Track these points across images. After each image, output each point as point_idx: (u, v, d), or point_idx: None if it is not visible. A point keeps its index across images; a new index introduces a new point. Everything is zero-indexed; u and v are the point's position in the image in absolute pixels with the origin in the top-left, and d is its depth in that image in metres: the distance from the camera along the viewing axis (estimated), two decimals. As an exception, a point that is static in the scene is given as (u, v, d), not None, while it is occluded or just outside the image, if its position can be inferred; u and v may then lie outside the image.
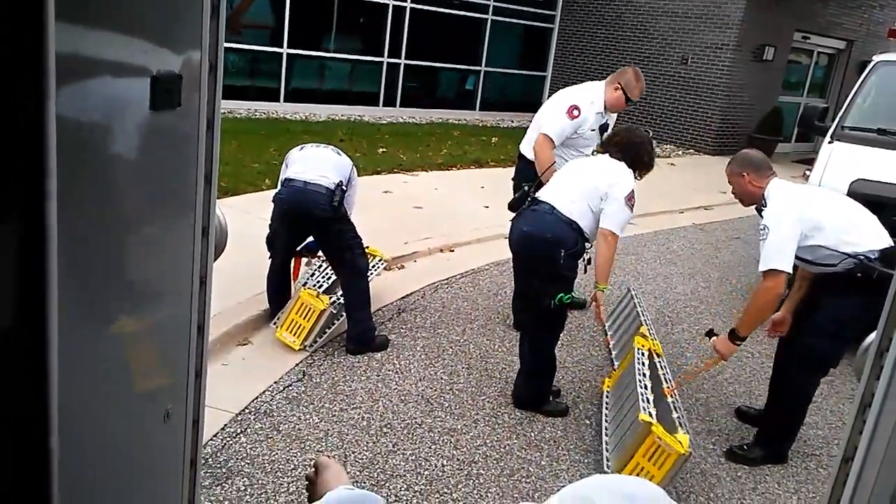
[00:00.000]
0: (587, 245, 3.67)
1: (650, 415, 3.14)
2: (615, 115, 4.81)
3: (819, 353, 3.38)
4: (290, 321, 4.19)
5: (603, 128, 4.67)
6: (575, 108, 4.51)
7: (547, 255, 3.48)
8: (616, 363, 4.33)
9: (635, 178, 3.68)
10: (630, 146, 3.73)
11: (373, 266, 4.86)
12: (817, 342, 3.35)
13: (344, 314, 4.29)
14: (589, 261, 3.74)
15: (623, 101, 4.60)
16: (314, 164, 4.11)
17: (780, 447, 3.61)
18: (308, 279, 4.56)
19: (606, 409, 3.81)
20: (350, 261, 4.15)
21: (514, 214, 3.83)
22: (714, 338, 3.57)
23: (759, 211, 3.45)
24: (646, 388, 3.36)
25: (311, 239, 4.37)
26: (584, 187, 3.56)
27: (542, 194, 3.68)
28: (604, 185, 3.54)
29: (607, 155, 3.74)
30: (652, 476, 2.98)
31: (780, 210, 3.31)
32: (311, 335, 4.15)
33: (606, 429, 3.60)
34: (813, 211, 3.32)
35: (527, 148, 4.72)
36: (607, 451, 3.41)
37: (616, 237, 3.53)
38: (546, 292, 3.52)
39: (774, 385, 3.63)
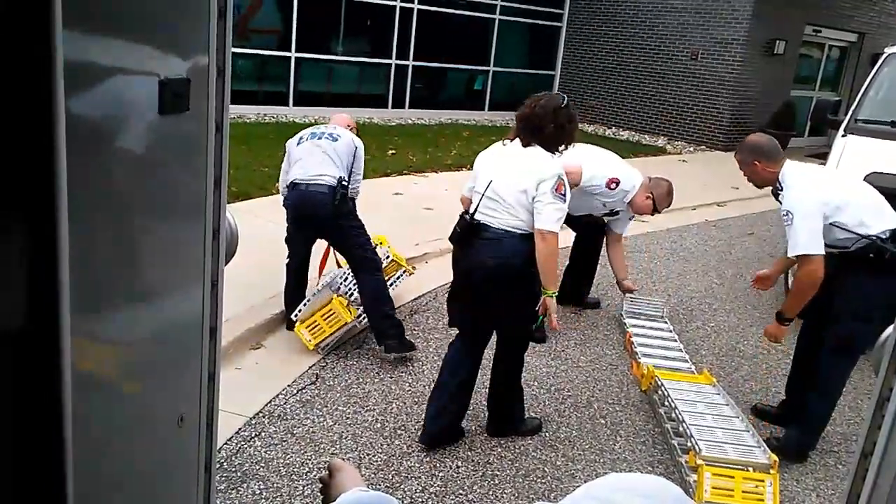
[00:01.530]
0: None
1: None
2: (628, 215, 4.93)
3: (845, 338, 3.41)
4: (313, 321, 4.17)
5: (613, 213, 4.85)
6: (614, 181, 4.65)
7: (522, 280, 3.20)
8: (642, 359, 4.26)
9: (558, 153, 3.28)
10: (529, 123, 3.23)
11: (397, 277, 4.90)
12: (841, 328, 3.39)
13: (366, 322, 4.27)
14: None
15: (650, 210, 4.76)
16: (314, 163, 4.14)
17: (813, 436, 3.60)
18: (342, 284, 4.50)
19: (678, 399, 3.69)
20: (360, 257, 4.17)
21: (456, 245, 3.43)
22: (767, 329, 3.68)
23: (776, 195, 3.45)
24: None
25: None
26: (516, 199, 3.17)
27: (482, 217, 3.23)
28: (531, 187, 3.14)
29: (518, 143, 3.28)
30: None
31: (801, 193, 3.32)
32: (326, 339, 4.16)
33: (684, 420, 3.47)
34: (833, 192, 3.35)
35: None
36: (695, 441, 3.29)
37: (554, 234, 3.15)
38: (528, 317, 3.30)
39: (805, 373, 3.65)
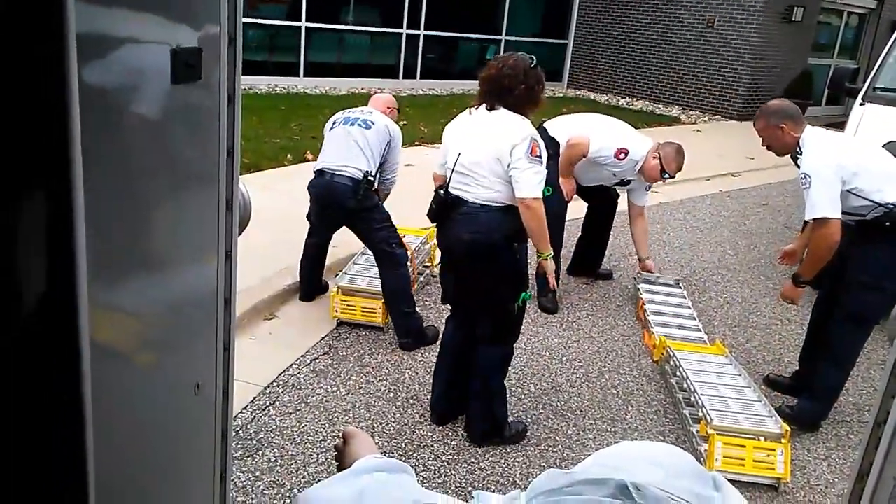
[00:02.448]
0: None
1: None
2: (643, 185, 4.79)
3: (857, 307, 3.41)
4: (352, 302, 4.17)
5: (624, 182, 4.75)
6: (623, 151, 4.54)
7: (502, 256, 3.05)
8: (654, 329, 4.24)
9: (527, 115, 3.07)
10: (495, 85, 3.04)
11: (422, 275, 4.89)
12: (853, 297, 3.39)
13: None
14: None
15: (657, 173, 4.56)
16: (342, 152, 4.03)
17: (826, 406, 3.60)
18: None
19: (691, 371, 3.68)
20: (382, 251, 4.06)
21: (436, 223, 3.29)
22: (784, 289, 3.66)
23: (795, 159, 3.43)
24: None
25: None
26: (490, 169, 3.00)
27: (456, 190, 3.09)
28: (504, 154, 2.96)
29: (483, 107, 3.09)
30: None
31: (820, 157, 3.30)
32: (348, 319, 4.20)
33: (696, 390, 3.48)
34: (851, 157, 3.33)
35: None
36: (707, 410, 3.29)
37: (538, 200, 2.98)
38: (508, 296, 3.09)
39: (819, 343, 3.65)
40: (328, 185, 3.98)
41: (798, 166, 3.39)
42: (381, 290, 4.11)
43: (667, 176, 4.61)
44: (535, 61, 3.07)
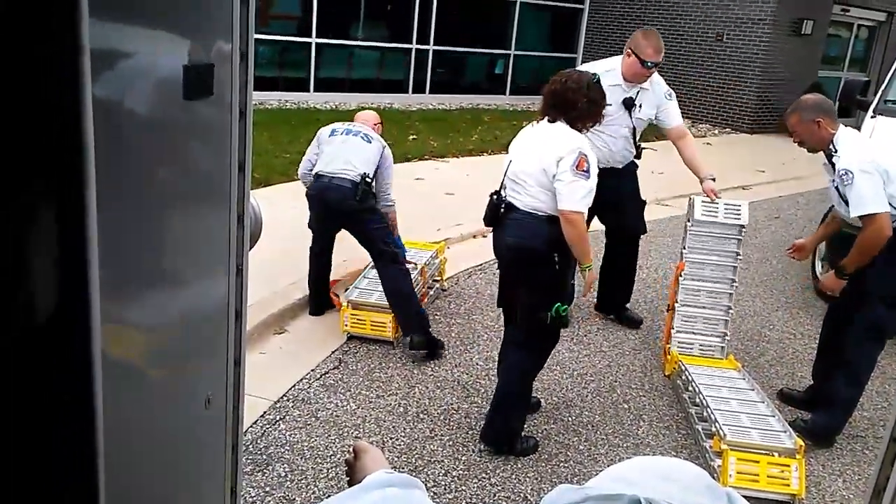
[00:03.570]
0: None
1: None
2: (649, 92, 4.25)
3: (875, 320, 3.38)
4: (362, 316, 4.17)
5: (627, 103, 4.18)
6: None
7: (540, 264, 3.10)
8: (677, 345, 4.07)
9: (582, 131, 3.13)
10: (559, 99, 3.11)
11: (432, 289, 4.90)
12: (871, 310, 3.36)
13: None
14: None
15: (638, 66, 4.10)
16: (341, 157, 4.13)
17: (841, 420, 3.55)
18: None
19: (702, 385, 3.64)
20: (379, 250, 4.14)
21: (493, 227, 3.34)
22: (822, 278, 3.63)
23: (830, 157, 3.38)
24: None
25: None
26: (536, 179, 3.07)
27: (510, 197, 3.19)
28: (550, 165, 3.01)
29: (545, 120, 3.16)
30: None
31: (861, 153, 3.29)
32: (358, 333, 4.21)
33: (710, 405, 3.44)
34: (884, 160, 3.31)
35: None
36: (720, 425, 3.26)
37: (580, 214, 3.02)
38: (541, 304, 3.10)
39: (832, 356, 3.62)
40: (327, 187, 4.07)
41: (832, 164, 3.35)
42: (389, 318, 4.14)
43: (650, 64, 4.12)
44: (597, 76, 3.16)
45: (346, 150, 4.15)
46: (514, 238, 3.16)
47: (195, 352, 1.17)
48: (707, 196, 4.07)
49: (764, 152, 10.98)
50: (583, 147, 3.04)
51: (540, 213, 3.09)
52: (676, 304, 4.07)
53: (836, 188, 3.38)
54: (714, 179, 3.95)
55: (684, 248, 4.10)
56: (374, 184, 4.14)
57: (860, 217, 3.26)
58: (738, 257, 4.08)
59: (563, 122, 3.10)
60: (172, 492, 1.15)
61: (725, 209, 4.05)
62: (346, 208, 4.05)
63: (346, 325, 4.18)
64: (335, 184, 4.04)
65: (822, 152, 3.47)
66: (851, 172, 3.22)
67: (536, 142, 3.16)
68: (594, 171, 3.05)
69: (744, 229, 4.07)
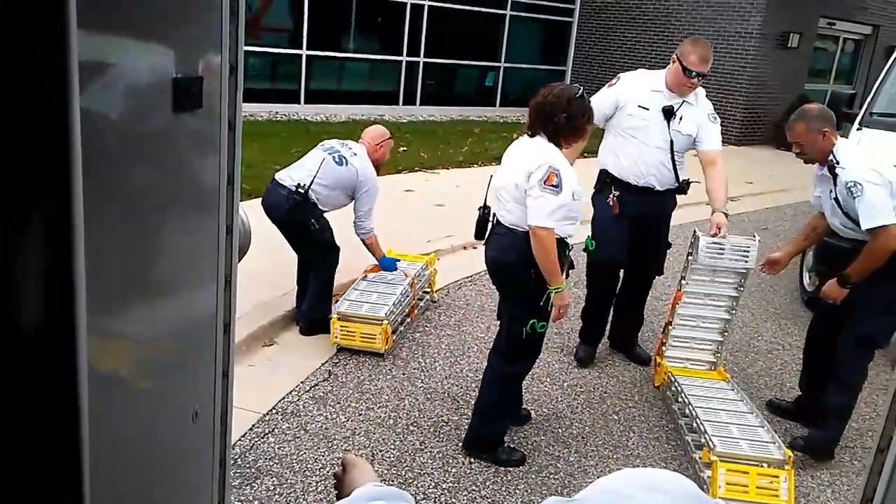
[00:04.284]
0: (567, 251, 3.15)
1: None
2: (693, 107, 3.96)
3: (868, 330, 3.37)
4: (352, 328, 4.15)
5: (667, 111, 3.89)
6: (616, 78, 4.02)
7: (518, 279, 3.08)
8: (668, 359, 4.02)
9: (562, 147, 3.04)
10: (541, 112, 3.06)
11: (422, 301, 4.90)
12: (864, 320, 3.36)
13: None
14: (570, 265, 3.26)
15: (680, 74, 3.82)
16: (295, 165, 4.29)
17: (838, 430, 3.54)
18: (395, 309, 4.35)
19: (692, 396, 3.64)
20: (311, 258, 4.35)
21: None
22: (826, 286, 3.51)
23: (832, 168, 3.33)
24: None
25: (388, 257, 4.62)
26: (511, 194, 3.04)
27: (496, 210, 3.20)
28: (521, 180, 2.98)
29: (527, 135, 3.14)
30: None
31: (867, 164, 3.28)
32: (347, 345, 4.20)
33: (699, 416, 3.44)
34: (885, 171, 3.30)
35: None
36: (709, 437, 3.26)
37: (547, 230, 2.93)
38: (518, 318, 3.12)
39: (820, 367, 3.63)
40: (268, 192, 4.24)
41: (833, 175, 3.31)
42: (381, 315, 4.15)
43: (692, 73, 3.80)
44: (581, 91, 3.07)
45: (305, 160, 4.26)
46: (494, 252, 3.20)
47: (183, 364, 1.16)
48: (712, 229, 3.78)
49: (751, 164, 11.06)
50: (553, 161, 2.96)
51: (518, 229, 3.05)
52: (671, 328, 4.01)
53: (836, 199, 3.36)
54: (727, 215, 3.80)
55: (684, 280, 3.93)
56: (317, 197, 4.13)
57: (870, 229, 3.22)
58: (741, 289, 3.96)
59: (543, 137, 3.06)
60: (159, 506, 1.14)
61: (733, 250, 3.82)
62: (278, 216, 4.16)
63: (336, 337, 4.16)
64: (272, 189, 4.20)
65: (812, 162, 3.46)
66: (860, 184, 3.19)
67: (514, 156, 3.15)
68: (568, 187, 2.96)
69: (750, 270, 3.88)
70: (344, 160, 4.20)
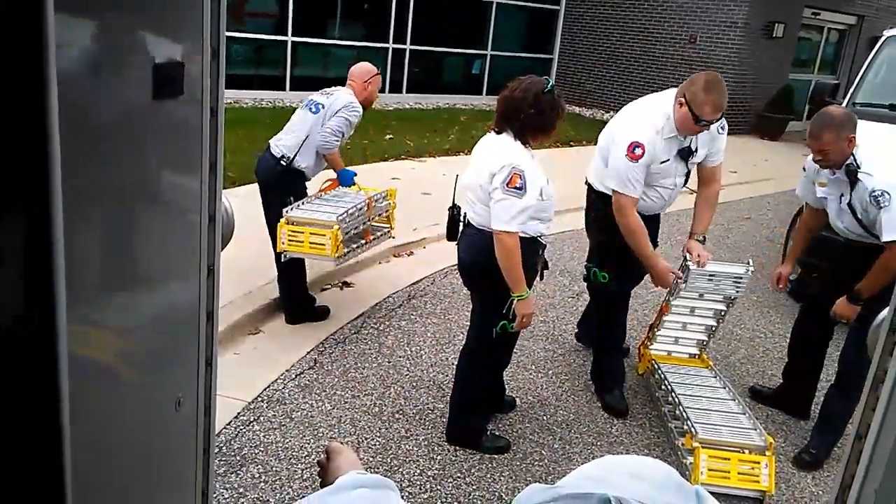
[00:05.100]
0: (540, 250, 3.11)
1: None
2: (705, 135, 3.57)
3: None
4: (300, 231, 3.98)
5: (684, 154, 3.51)
6: (635, 145, 3.37)
7: (487, 279, 2.98)
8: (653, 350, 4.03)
9: (528, 144, 2.93)
10: (506, 108, 2.93)
11: (381, 234, 4.61)
12: (869, 326, 3.29)
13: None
14: (544, 265, 3.22)
15: (690, 122, 3.35)
16: (284, 128, 4.29)
17: (841, 431, 3.50)
18: (347, 218, 4.13)
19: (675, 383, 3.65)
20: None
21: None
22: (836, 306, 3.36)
23: (854, 173, 3.21)
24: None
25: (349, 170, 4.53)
26: (476, 195, 2.96)
27: (465, 210, 3.13)
28: (485, 182, 2.88)
29: (493, 132, 3.01)
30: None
31: (891, 174, 3.16)
32: (296, 254, 4.07)
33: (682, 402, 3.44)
34: None
35: (594, 178, 3.78)
36: (691, 423, 3.26)
37: (510, 234, 2.82)
38: (488, 318, 3.05)
39: (811, 363, 3.68)
40: (260, 159, 4.28)
41: (853, 180, 3.21)
42: (331, 221, 4.00)
43: (703, 123, 3.36)
44: (550, 85, 2.91)
45: (291, 124, 4.27)
46: (464, 253, 3.14)
47: (166, 353, 1.16)
48: (694, 258, 3.56)
49: (735, 153, 11.07)
50: (517, 162, 2.83)
51: (487, 229, 2.94)
52: (657, 329, 3.96)
53: (849, 204, 3.26)
54: (703, 241, 3.59)
55: (671, 297, 3.75)
56: (304, 166, 4.18)
57: (888, 241, 3.09)
58: (731, 305, 3.84)
59: (509, 134, 2.93)
60: (142, 494, 1.14)
61: (726, 277, 3.67)
62: (267, 181, 4.21)
63: (283, 244, 3.97)
64: (263, 156, 4.24)
65: (831, 167, 3.31)
66: (889, 194, 3.08)
67: (478, 155, 3.03)
68: (532, 188, 2.84)
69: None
70: (318, 106, 4.21)
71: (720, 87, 3.38)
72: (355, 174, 4.59)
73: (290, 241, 3.99)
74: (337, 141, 4.19)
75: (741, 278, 3.67)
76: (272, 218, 4.14)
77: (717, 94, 3.36)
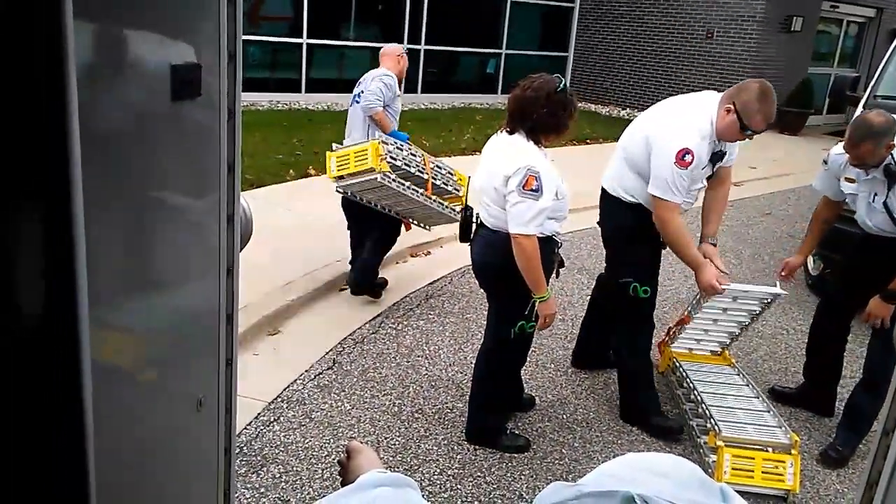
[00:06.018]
0: (556, 248, 3.08)
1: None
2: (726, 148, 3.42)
3: None
4: (345, 155, 4.21)
5: (715, 158, 3.37)
6: (685, 152, 3.18)
7: (503, 280, 2.97)
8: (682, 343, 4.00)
9: (541, 144, 2.91)
10: (518, 108, 2.91)
11: (446, 208, 4.55)
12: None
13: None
14: (560, 263, 3.19)
15: (736, 129, 3.19)
16: (347, 131, 4.62)
17: (865, 432, 3.46)
18: (393, 145, 4.36)
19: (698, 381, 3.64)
20: (373, 230, 4.53)
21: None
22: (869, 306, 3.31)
23: (893, 175, 3.22)
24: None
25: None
26: (490, 196, 2.94)
27: (478, 211, 3.10)
28: (500, 184, 2.86)
29: (505, 132, 2.98)
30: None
31: None
32: (347, 180, 4.21)
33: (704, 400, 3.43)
34: None
35: (616, 185, 3.56)
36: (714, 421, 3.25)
37: (529, 237, 2.80)
38: (506, 319, 3.05)
39: (833, 360, 3.64)
40: None
41: (891, 177, 3.21)
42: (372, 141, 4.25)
43: (750, 132, 3.21)
44: (562, 84, 2.87)
45: (349, 124, 4.56)
46: (478, 255, 3.12)
47: (186, 354, 1.17)
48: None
49: (755, 149, 10.96)
50: (532, 164, 2.80)
51: (502, 231, 2.92)
52: (678, 332, 3.92)
53: (885, 203, 3.25)
54: (715, 245, 3.52)
55: (692, 309, 3.72)
56: None
57: None
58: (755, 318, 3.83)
59: (521, 134, 2.90)
60: (165, 494, 1.15)
61: (754, 297, 3.67)
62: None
63: (333, 171, 4.21)
64: None
65: (865, 168, 3.31)
66: None
67: (491, 157, 3.00)
68: (549, 189, 2.80)
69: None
70: (359, 95, 4.51)
71: (773, 98, 3.21)
72: (408, 136, 4.80)
73: (339, 167, 4.21)
74: (378, 101, 4.43)
75: (769, 302, 3.66)
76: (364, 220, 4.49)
77: (770, 105, 3.19)
